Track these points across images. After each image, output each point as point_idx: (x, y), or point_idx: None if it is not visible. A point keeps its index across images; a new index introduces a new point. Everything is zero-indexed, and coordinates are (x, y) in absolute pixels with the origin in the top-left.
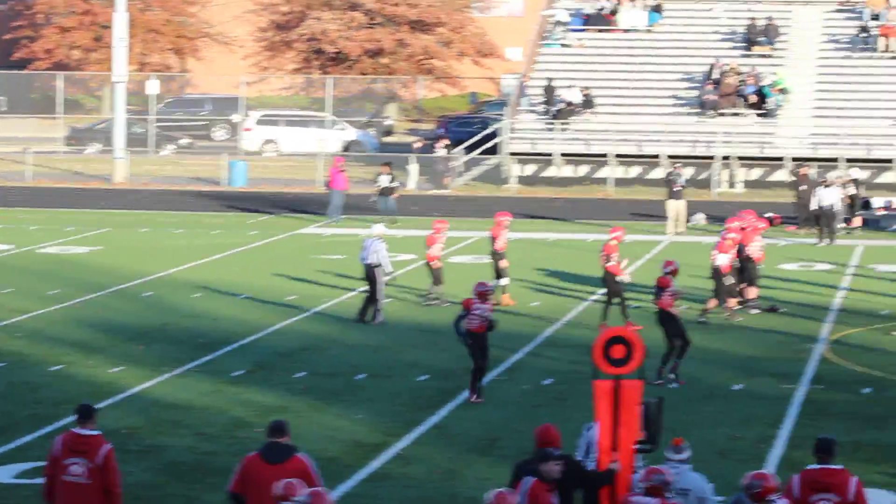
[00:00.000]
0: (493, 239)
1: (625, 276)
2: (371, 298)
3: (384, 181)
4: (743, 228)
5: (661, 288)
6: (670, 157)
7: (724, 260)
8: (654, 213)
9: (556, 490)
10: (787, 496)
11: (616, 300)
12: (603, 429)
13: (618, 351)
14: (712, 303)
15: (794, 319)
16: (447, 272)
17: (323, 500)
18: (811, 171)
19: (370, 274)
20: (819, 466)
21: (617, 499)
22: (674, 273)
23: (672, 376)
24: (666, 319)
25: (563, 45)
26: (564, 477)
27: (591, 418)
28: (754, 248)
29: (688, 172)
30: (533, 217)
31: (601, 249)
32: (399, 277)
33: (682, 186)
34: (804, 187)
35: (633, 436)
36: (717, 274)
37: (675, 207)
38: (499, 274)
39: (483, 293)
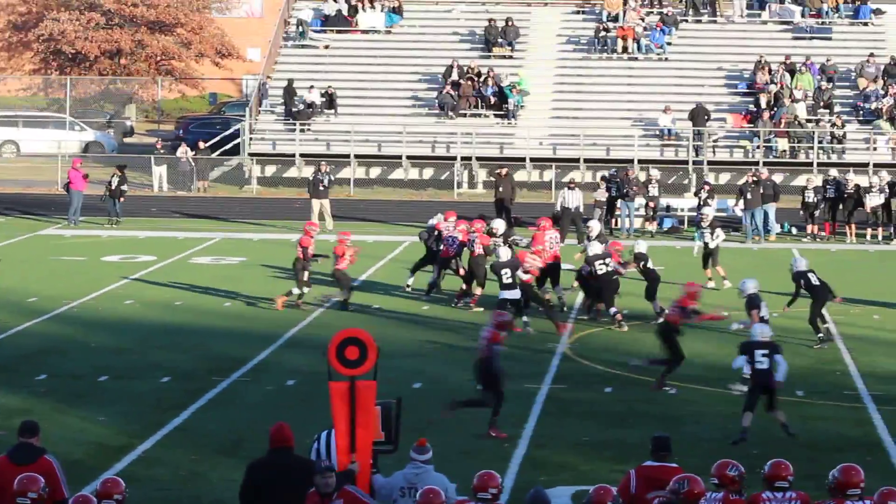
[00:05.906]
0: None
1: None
2: None
3: (114, 182)
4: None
5: (682, 307)
6: (320, 157)
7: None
8: (390, 216)
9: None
10: (624, 493)
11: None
12: (340, 430)
13: (352, 352)
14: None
15: (536, 319)
16: (190, 272)
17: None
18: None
19: None
20: (657, 464)
21: None
22: (693, 297)
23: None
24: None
25: (302, 46)
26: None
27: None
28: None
29: (334, 172)
30: (273, 219)
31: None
32: (144, 275)
33: (327, 186)
34: (502, 188)
35: (370, 436)
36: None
37: (319, 205)
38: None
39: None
